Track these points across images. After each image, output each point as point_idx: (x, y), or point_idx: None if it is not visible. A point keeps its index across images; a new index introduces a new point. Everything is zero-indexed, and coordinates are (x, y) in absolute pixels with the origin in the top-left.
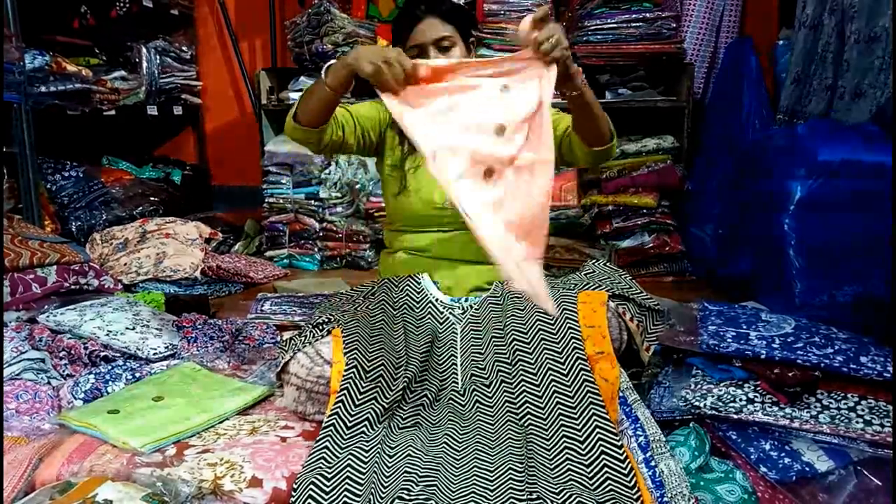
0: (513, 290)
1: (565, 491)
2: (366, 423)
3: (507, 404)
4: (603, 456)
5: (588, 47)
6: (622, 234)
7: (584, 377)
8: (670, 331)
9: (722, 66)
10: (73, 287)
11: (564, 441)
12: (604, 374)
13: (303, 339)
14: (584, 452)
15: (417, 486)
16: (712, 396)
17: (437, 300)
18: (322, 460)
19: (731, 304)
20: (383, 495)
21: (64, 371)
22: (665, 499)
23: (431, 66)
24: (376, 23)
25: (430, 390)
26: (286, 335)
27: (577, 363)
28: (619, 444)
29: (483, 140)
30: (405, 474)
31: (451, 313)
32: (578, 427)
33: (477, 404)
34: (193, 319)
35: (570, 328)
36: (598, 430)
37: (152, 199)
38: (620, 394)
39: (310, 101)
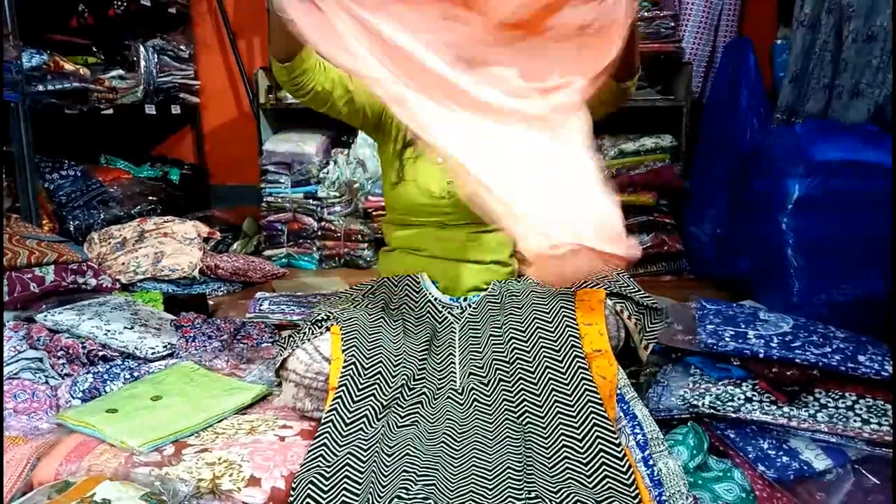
0: (511, 289)
1: (563, 489)
2: (364, 419)
3: (505, 403)
4: (601, 454)
5: None
6: None
7: (581, 375)
8: (669, 330)
9: (720, 65)
10: (71, 286)
11: (563, 439)
12: (601, 371)
13: (301, 335)
14: (582, 451)
15: (416, 484)
16: (710, 395)
17: (435, 299)
18: (321, 458)
19: (730, 303)
20: (382, 494)
21: (62, 370)
22: (663, 497)
23: None
24: None
25: (429, 388)
26: (285, 334)
27: (574, 361)
28: (617, 442)
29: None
30: (404, 473)
31: (449, 313)
32: (576, 425)
33: (475, 403)
34: (192, 319)
35: (567, 326)
36: (596, 427)
37: (150, 198)
38: (618, 391)
39: (273, 34)
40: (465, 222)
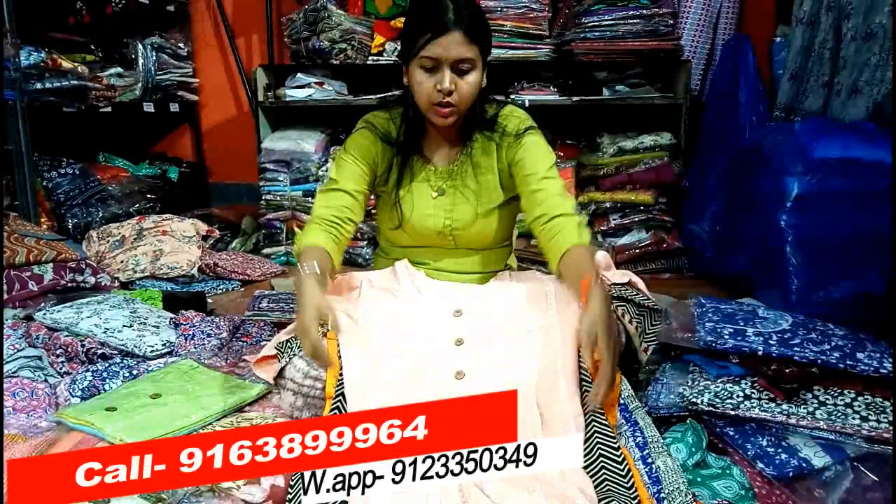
0: None
1: None
2: None
3: None
4: (601, 458)
5: (585, 44)
6: (620, 231)
7: (583, 386)
8: (668, 327)
9: (719, 62)
10: (69, 285)
11: None
12: None
13: (298, 342)
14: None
15: None
16: (709, 393)
17: None
18: None
19: (729, 301)
20: None
21: (61, 368)
22: (662, 495)
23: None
24: (373, 19)
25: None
26: (282, 339)
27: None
28: (615, 446)
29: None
30: None
31: None
32: None
33: None
34: (191, 317)
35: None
36: (596, 434)
37: (149, 196)
38: (621, 401)
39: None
40: (467, 247)
